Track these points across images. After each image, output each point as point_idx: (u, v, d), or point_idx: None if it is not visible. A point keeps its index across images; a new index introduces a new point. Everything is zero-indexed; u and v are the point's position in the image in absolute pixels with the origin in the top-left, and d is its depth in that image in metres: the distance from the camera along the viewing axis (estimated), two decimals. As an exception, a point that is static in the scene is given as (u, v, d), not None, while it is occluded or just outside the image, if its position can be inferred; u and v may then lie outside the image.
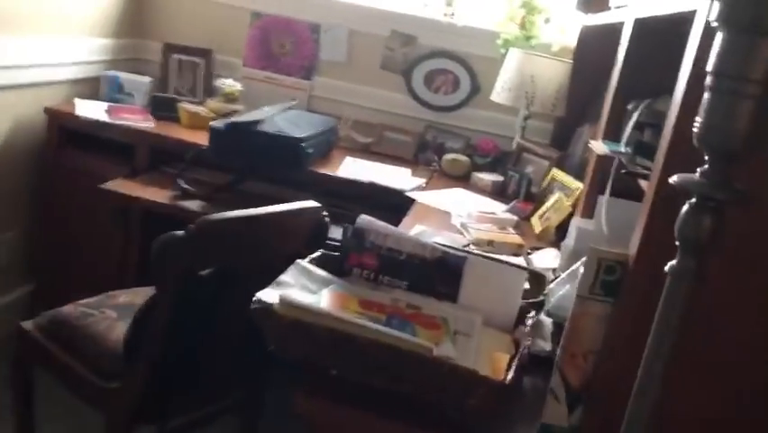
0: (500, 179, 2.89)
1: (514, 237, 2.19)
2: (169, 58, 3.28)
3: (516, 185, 2.79)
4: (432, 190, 2.70)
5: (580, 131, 2.93)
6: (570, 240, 1.65)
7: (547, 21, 3.07)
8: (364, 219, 1.41)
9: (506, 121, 3.19)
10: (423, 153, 3.17)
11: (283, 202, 1.68)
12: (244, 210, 1.58)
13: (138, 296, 1.90)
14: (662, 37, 1.55)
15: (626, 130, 1.54)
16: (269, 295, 1.20)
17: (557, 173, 2.68)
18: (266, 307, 1.17)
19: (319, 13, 3.31)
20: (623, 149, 1.53)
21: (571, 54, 3.04)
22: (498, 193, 2.84)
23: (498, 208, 2.61)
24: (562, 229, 2.30)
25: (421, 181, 2.76)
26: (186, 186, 2.54)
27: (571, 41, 3.05)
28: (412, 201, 2.55)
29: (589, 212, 1.66)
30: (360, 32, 3.30)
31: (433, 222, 2.28)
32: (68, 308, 1.87)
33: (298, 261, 1.37)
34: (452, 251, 1.37)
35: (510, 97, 2.88)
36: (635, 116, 1.51)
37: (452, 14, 3.23)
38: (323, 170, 2.70)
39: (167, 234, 1.46)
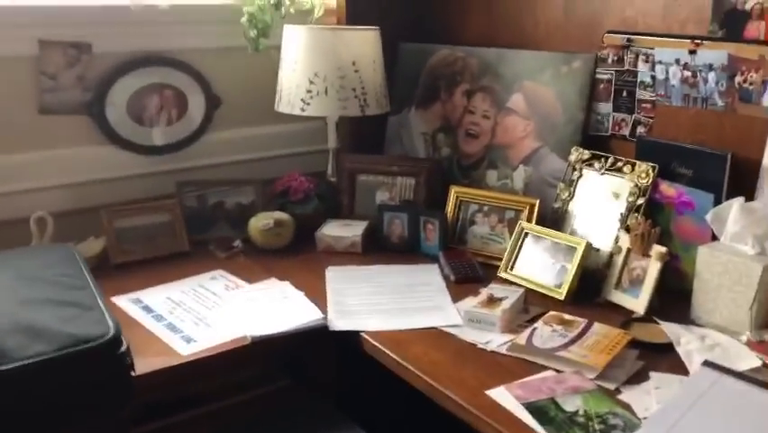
0: (361, 226, 1.87)
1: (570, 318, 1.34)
2: None
3: (408, 228, 1.82)
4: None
5: (397, 120, 2.09)
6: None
7: (294, -25, 2.01)
8: None
9: (279, 134, 2.12)
10: (206, 231, 1.88)
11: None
12: None
13: None
14: None
15: None
16: None
17: (462, 191, 1.84)
18: None
19: None
20: None
21: (335, 18, 2.11)
22: (374, 248, 1.83)
23: (430, 280, 1.66)
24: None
25: (300, 293, 1.57)
26: None
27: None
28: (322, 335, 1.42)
29: None
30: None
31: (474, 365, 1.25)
32: None
33: None
34: None
35: (329, 103, 1.82)
36: None
37: (143, -8, 1.88)
38: (156, 361, 1.28)
39: None
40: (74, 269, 1.30)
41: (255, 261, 1.78)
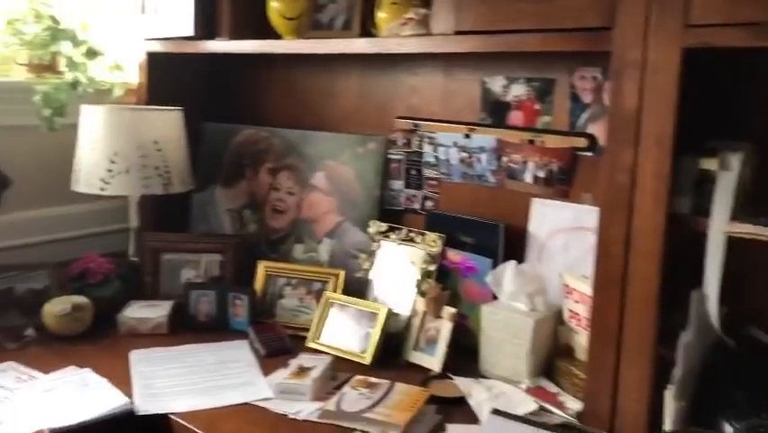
0: (166, 306, 1.84)
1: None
2: None
3: (216, 305, 1.83)
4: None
5: (203, 197, 2.13)
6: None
7: (93, 55, 2.00)
8: None
9: (74, 215, 2.05)
10: (-8, 322, 1.74)
11: None
12: None
13: None
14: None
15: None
16: None
17: (270, 265, 1.89)
18: None
19: None
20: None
21: (135, 97, 2.12)
22: (182, 328, 1.81)
23: (240, 356, 1.67)
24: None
25: (103, 380, 1.50)
26: None
27: (131, 79, 2.12)
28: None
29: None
30: None
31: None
32: None
33: None
34: None
35: (131, 182, 1.81)
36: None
37: None
38: None
39: None
40: None
41: (50, 349, 1.67)
